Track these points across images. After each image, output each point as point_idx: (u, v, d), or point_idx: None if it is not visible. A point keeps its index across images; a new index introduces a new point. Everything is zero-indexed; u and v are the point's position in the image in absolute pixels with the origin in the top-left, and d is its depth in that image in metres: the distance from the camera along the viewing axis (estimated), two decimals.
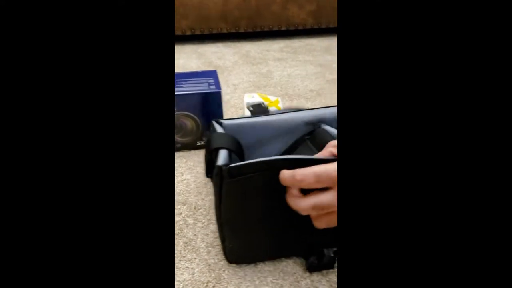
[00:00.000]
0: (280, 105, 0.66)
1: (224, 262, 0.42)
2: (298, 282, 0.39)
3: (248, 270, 0.41)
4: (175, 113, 0.57)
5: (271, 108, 0.64)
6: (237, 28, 1.26)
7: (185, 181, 0.55)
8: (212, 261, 0.42)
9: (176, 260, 0.42)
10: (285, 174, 0.31)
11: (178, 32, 1.21)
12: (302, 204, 0.31)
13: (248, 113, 0.61)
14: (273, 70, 0.98)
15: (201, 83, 0.59)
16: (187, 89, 0.57)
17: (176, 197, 0.52)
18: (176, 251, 0.43)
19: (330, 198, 0.30)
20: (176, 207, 0.50)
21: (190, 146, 0.61)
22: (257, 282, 0.39)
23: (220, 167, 0.33)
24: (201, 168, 0.58)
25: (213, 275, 0.40)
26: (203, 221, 0.48)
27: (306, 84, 0.88)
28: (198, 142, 0.60)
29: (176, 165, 0.59)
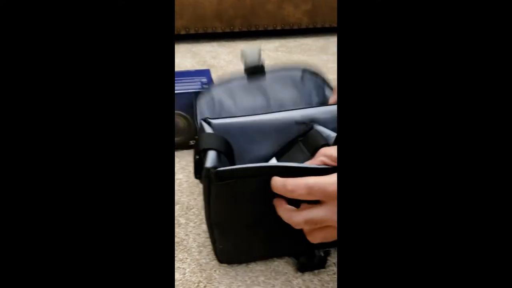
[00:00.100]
0: None
1: (215, 262, 0.41)
2: (289, 281, 0.39)
3: (239, 270, 0.40)
4: None
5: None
6: (232, 27, 1.25)
7: (177, 181, 0.55)
8: (204, 261, 0.42)
9: None
10: (277, 182, 0.30)
11: None
12: (294, 219, 0.31)
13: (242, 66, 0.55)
14: None
15: (194, 82, 0.58)
16: (180, 88, 0.56)
17: None
18: None
19: (322, 213, 0.29)
20: None
21: (183, 146, 0.60)
22: (248, 282, 0.39)
23: (208, 170, 0.32)
24: (193, 167, 0.57)
25: (204, 275, 0.40)
26: (195, 220, 0.47)
27: None
28: (190, 142, 0.60)
29: None
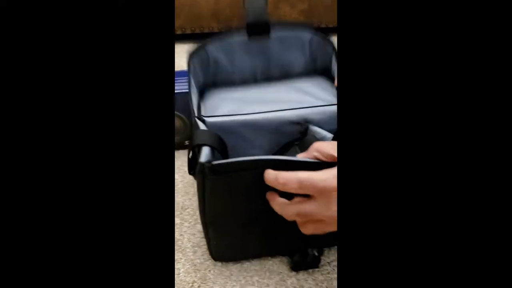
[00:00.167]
0: None
1: (210, 262, 0.41)
2: (284, 281, 0.39)
3: (234, 270, 0.40)
4: None
5: None
6: (228, 27, 1.25)
7: None
8: (198, 261, 0.42)
9: None
10: (270, 175, 0.31)
11: None
12: (287, 211, 0.31)
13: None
14: None
15: None
16: (175, 88, 0.56)
17: None
18: None
19: (313, 207, 0.30)
20: None
21: (178, 146, 0.60)
22: (243, 281, 0.39)
23: (202, 164, 0.32)
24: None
25: (198, 275, 0.40)
26: (190, 221, 0.47)
27: None
28: (185, 142, 0.60)
29: None
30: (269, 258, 0.42)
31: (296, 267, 0.40)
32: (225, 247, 0.39)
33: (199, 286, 0.39)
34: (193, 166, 0.34)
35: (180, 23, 1.20)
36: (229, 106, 0.43)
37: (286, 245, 0.40)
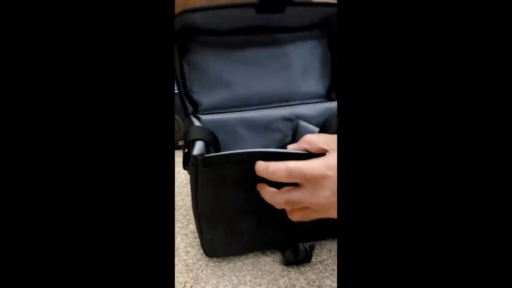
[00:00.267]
0: None
1: (202, 262, 0.42)
2: (276, 280, 0.39)
3: (226, 270, 0.41)
4: None
5: None
6: None
7: None
8: (191, 261, 0.42)
9: None
10: (260, 165, 0.32)
11: None
12: (276, 199, 0.33)
13: None
14: None
15: None
16: None
17: None
18: None
19: (301, 195, 0.31)
20: None
21: None
22: (235, 281, 0.39)
23: (195, 157, 0.33)
24: (182, 168, 0.58)
25: (191, 275, 0.40)
26: (183, 221, 0.48)
27: None
28: (179, 142, 0.60)
29: None
30: (262, 257, 0.42)
31: (288, 262, 0.40)
32: (218, 238, 0.39)
33: (191, 286, 0.39)
34: (187, 160, 0.35)
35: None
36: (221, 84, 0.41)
37: (279, 238, 0.40)
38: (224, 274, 0.40)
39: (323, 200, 0.30)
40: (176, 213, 0.49)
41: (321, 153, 0.32)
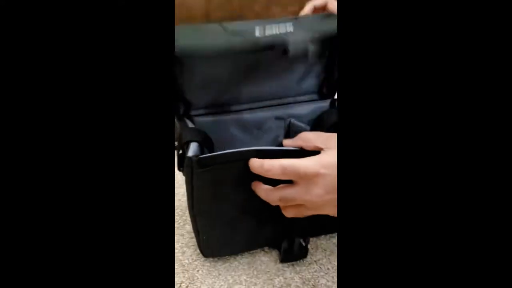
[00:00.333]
0: None
1: (198, 262, 0.42)
2: (271, 279, 0.39)
3: (222, 270, 0.41)
4: None
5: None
6: None
7: None
8: (187, 261, 0.42)
9: None
10: (255, 162, 0.33)
11: None
12: (270, 196, 0.33)
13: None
14: None
15: None
16: None
17: None
18: None
19: (294, 192, 0.31)
20: None
21: None
22: (230, 281, 0.39)
23: (190, 158, 0.33)
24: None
25: (186, 275, 0.40)
26: (179, 221, 0.48)
27: None
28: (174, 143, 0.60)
29: None
30: (258, 257, 0.42)
31: (284, 258, 0.40)
32: (214, 238, 0.40)
33: (187, 286, 0.39)
34: (182, 162, 0.35)
35: None
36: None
37: (275, 235, 0.41)
38: (219, 274, 0.40)
39: (316, 198, 0.30)
40: None
41: (316, 151, 0.32)
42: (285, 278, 0.40)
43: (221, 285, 0.39)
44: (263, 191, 0.34)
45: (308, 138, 0.35)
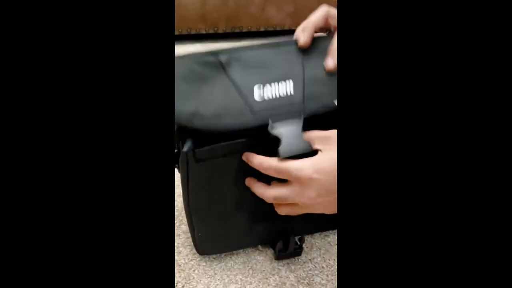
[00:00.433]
0: None
1: (194, 262, 0.42)
2: (266, 278, 0.40)
3: (217, 269, 0.41)
4: None
5: None
6: (216, 28, 1.26)
7: None
8: (183, 261, 0.42)
9: None
10: (255, 159, 0.33)
11: None
12: (265, 194, 0.34)
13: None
14: None
15: None
16: None
17: None
18: None
19: (288, 192, 0.32)
20: None
21: None
22: (226, 280, 0.40)
23: (185, 153, 0.33)
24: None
25: (182, 275, 0.40)
26: (175, 222, 0.48)
27: None
28: None
29: None
30: (253, 256, 0.42)
31: (279, 255, 0.41)
32: (209, 235, 0.40)
33: (183, 286, 0.39)
34: (177, 159, 0.36)
35: None
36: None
37: (269, 233, 0.41)
38: (215, 274, 0.41)
39: (308, 200, 0.31)
40: None
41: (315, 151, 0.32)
42: (280, 277, 0.40)
43: (217, 284, 0.39)
44: (258, 188, 0.34)
45: (310, 138, 0.34)
